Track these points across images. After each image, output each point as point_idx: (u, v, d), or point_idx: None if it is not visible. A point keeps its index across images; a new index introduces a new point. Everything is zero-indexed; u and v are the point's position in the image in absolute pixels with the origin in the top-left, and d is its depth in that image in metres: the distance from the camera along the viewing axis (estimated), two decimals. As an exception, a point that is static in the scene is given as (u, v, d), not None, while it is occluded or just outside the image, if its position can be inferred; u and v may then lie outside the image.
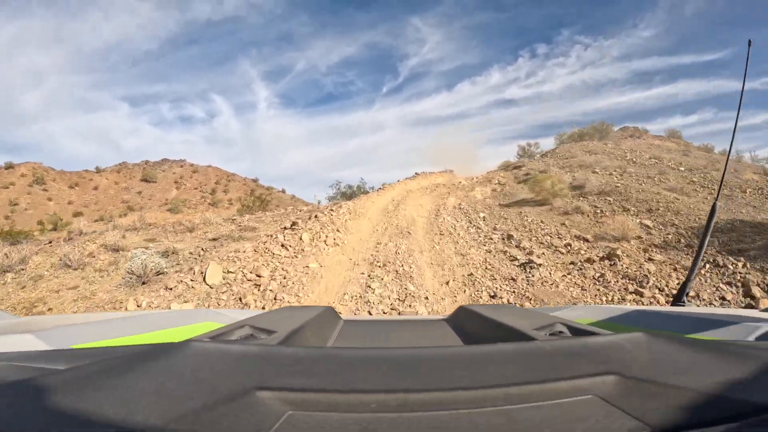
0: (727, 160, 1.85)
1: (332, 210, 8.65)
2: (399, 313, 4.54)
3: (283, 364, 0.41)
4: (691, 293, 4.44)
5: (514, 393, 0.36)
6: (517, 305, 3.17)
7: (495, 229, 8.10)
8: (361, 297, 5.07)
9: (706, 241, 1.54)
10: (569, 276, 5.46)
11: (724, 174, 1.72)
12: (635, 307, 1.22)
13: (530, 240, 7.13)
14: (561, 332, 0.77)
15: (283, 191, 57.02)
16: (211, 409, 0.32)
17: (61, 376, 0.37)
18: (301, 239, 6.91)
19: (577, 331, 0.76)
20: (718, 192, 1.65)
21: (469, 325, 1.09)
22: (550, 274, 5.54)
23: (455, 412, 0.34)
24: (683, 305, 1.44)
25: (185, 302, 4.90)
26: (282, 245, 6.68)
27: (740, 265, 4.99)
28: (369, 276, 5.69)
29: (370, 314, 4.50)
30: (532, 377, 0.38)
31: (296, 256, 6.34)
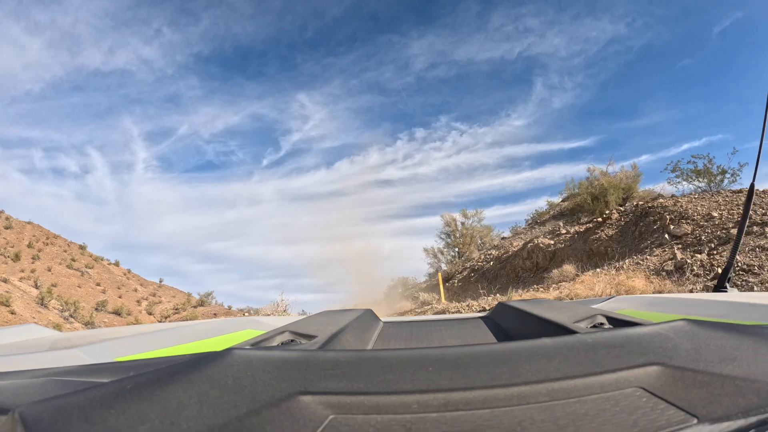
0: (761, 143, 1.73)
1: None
2: None
3: (324, 368, 0.41)
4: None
5: (557, 388, 0.36)
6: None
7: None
8: None
9: (746, 224, 1.48)
10: None
11: (759, 156, 1.67)
12: (675, 295, 1.20)
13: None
14: (602, 324, 0.77)
15: (117, 264, 45.95)
16: (255, 416, 0.32)
17: (104, 388, 0.37)
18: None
19: (617, 323, 0.74)
20: (755, 173, 1.62)
21: (509, 321, 1.07)
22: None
23: (498, 410, 0.33)
24: (725, 291, 1.40)
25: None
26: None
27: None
28: None
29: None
30: (575, 371, 0.38)
31: None
